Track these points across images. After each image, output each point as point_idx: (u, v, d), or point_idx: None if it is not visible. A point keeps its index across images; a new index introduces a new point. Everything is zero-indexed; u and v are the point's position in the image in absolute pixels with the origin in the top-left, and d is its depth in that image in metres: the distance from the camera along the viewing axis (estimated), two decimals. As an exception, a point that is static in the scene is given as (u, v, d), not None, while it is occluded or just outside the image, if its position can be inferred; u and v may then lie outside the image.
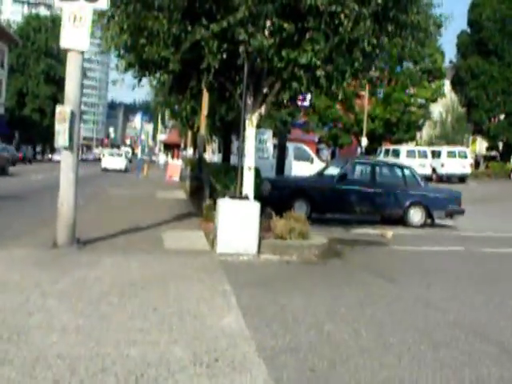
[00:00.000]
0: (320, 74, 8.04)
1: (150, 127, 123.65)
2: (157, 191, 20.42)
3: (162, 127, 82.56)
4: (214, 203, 11.78)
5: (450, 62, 47.18)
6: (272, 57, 7.87)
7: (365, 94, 38.61)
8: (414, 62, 39.32)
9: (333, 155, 45.03)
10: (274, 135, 23.73)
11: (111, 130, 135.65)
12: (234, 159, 22.18)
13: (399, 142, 41.03)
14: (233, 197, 8.55)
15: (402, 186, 14.29)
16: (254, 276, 7.11)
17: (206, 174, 12.34)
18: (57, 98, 76.52)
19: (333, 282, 7.05)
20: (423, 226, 14.01)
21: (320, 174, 15.07)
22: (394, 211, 14.11)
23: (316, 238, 8.96)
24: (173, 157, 47.97)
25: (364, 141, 39.12)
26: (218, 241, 8.13)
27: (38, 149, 74.88)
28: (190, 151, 36.10)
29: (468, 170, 33.83)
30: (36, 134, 70.23)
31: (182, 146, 43.21)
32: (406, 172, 14.57)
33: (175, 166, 33.25)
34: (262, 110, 9.35)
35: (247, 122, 9.36)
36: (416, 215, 14.10)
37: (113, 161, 37.41)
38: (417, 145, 43.02)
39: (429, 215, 14.19)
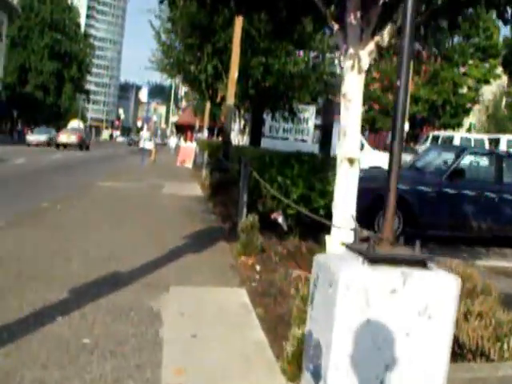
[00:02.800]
0: None
1: (162, 110, 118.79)
2: (163, 183, 15.41)
3: (175, 108, 77.43)
4: (261, 218, 6.77)
5: (504, 38, 40.55)
6: None
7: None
8: (467, 37, 33.86)
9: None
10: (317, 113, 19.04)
11: (121, 111, 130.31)
12: (264, 143, 17.37)
13: (444, 127, 35.75)
14: (383, 258, 2.59)
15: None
16: None
17: (243, 168, 7.24)
18: (62, 74, 71.59)
19: None
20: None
21: (413, 166, 9.92)
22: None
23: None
24: (185, 139, 42.42)
25: (406, 125, 33.80)
26: None
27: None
28: (205, 133, 30.93)
29: None
30: (39, 114, 65.32)
31: (197, 126, 38.08)
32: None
33: (188, 150, 28.12)
34: (384, 38, 4.42)
35: (348, 64, 4.45)
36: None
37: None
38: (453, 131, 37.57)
39: None
